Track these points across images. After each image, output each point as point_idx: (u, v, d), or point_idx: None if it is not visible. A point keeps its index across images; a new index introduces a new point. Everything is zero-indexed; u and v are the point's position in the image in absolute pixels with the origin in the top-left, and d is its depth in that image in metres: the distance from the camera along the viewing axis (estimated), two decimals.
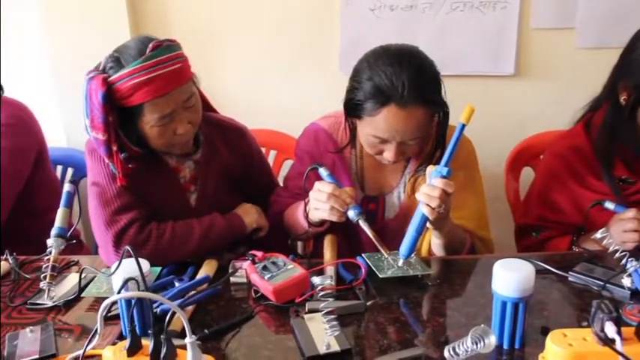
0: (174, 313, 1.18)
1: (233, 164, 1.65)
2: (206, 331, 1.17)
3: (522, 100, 2.43)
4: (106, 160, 1.45)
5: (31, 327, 1.19)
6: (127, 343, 1.04)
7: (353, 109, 1.47)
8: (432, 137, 1.55)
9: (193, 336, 0.98)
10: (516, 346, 1.08)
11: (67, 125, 2.47)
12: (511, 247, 2.07)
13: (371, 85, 1.40)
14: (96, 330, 1.01)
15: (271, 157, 2.33)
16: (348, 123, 1.56)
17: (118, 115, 1.39)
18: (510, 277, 1.03)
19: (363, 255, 1.43)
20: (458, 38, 2.30)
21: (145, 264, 1.13)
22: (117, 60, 1.38)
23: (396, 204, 1.63)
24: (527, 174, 2.17)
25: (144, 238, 1.44)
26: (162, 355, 1.01)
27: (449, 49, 2.30)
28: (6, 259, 1.48)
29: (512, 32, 2.29)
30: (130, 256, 1.10)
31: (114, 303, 1.24)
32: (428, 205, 1.31)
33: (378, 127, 1.42)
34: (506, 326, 1.07)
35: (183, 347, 0.98)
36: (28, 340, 1.15)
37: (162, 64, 1.36)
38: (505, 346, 1.08)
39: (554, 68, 2.39)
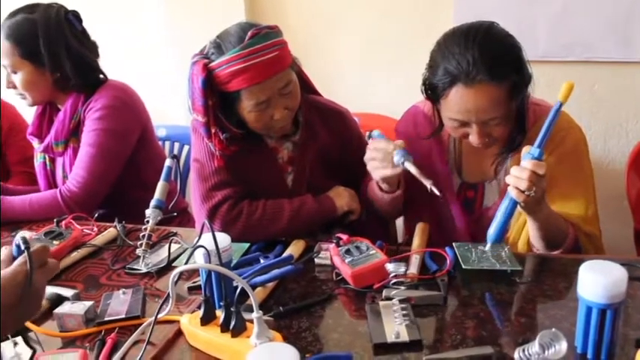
0: (254, 287, 1.22)
1: (331, 147, 1.65)
2: (281, 308, 1.19)
3: None
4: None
5: (124, 289, 1.28)
6: (201, 312, 1.09)
7: (429, 94, 1.44)
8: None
9: (260, 311, 1.01)
10: (602, 357, 0.99)
11: (186, 105, 2.61)
12: (632, 253, 1.90)
13: (440, 68, 1.35)
14: (168, 296, 1.06)
15: None
16: (435, 109, 1.50)
17: (218, 98, 1.45)
18: (597, 280, 0.94)
19: (453, 244, 1.38)
20: (583, 20, 2.12)
21: (224, 238, 1.17)
22: (218, 46, 1.43)
23: (495, 192, 1.55)
24: None
25: (235, 215, 1.48)
26: (231, 327, 1.05)
27: (572, 32, 2.13)
28: (115, 227, 1.60)
29: None
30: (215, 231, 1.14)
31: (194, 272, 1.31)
32: (517, 187, 1.23)
33: (451, 108, 1.37)
34: (590, 334, 0.98)
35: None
36: (120, 300, 1.24)
37: (258, 52, 1.39)
38: (589, 356, 0.99)
39: None
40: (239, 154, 1.53)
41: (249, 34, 1.39)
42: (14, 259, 0.95)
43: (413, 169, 1.34)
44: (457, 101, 1.34)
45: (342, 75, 2.51)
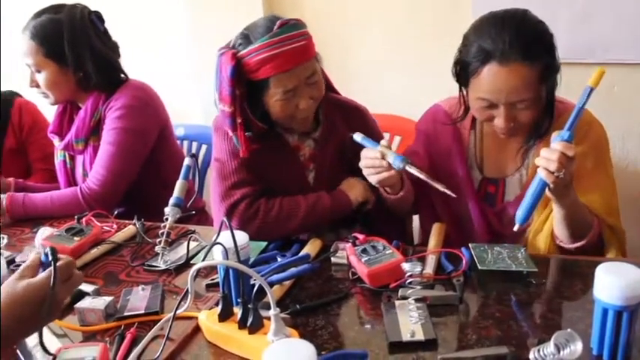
0: (271, 285, 1.24)
1: (352, 143, 1.65)
2: (297, 306, 1.20)
3: None
4: (230, 134, 1.52)
5: (143, 286, 1.30)
6: (218, 308, 1.11)
7: (459, 74, 1.46)
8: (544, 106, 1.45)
9: (277, 309, 1.02)
10: (618, 359, 0.98)
11: (204, 105, 2.64)
12: None
13: (474, 46, 1.38)
14: (186, 292, 1.08)
15: (395, 143, 2.31)
16: (461, 94, 1.52)
17: (245, 88, 1.47)
18: (613, 282, 0.94)
19: (469, 245, 1.38)
20: (604, 22, 2.10)
21: (242, 236, 1.19)
22: (246, 37, 1.46)
23: (517, 186, 1.56)
24: None
25: (253, 213, 1.50)
26: (248, 324, 1.06)
27: (593, 34, 2.11)
28: (134, 224, 1.63)
29: None
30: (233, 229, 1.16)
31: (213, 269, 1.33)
32: (546, 169, 1.23)
33: (482, 87, 1.38)
34: (606, 336, 0.98)
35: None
36: (139, 296, 1.26)
37: (287, 40, 1.42)
38: (605, 358, 0.99)
39: None
40: (261, 152, 1.54)
41: (278, 23, 1.43)
42: (42, 264, 0.98)
43: (416, 172, 1.36)
44: (489, 79, 1.36)
45: (359, 75, 2.52)
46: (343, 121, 1.67)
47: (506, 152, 1.57)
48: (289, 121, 1.54)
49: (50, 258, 0.95)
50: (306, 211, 1.52)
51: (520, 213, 1.30)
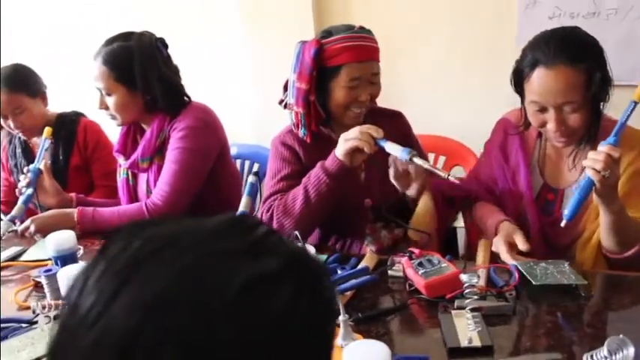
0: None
1: (395, 141, 1.74)
2: (359, 314, 1.29)
3: None
4: (287, 142, 1.73)
5: None
6: None
7: (516, 83, 1.57)
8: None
9: (346, 315, 1.11)
10: None
11: (255, 124, 2.76)
12: None
13: (528, 55, 1.51)
14: None
15: (440, 163, 2.36)
16: (522, 106, 1.61)
17: (318, 74, 1.65)
18: None
19: (517, 264, 1.44)
20: None
21: (307, 248, 1.28)
22: (329, 31, 1.68)
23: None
24: None
25: (269, 217, 1.64)
26: None
27: (639, 55, 2.17)
28: None
29: None
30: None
31: None
32: (593, 168, 1.33)
33: (533, 90, 1.50)
34: None
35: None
36: None
37: (365, 38, 1.66)
38: None
39: None
40: (317, 157, 1.66)
41: (358, 26, 1.67)
42: None
43: (421, 162, 1.48)
44: (538, 83, 1.48)
45: (404, 95, 2.59)
46: (383, 122, 1.76)
47: (566, 164, 1.65)
48: (344, 110, 1.68)
49: None
50: (305, 185, 1.62)
51: (567, 210, 1.39)
